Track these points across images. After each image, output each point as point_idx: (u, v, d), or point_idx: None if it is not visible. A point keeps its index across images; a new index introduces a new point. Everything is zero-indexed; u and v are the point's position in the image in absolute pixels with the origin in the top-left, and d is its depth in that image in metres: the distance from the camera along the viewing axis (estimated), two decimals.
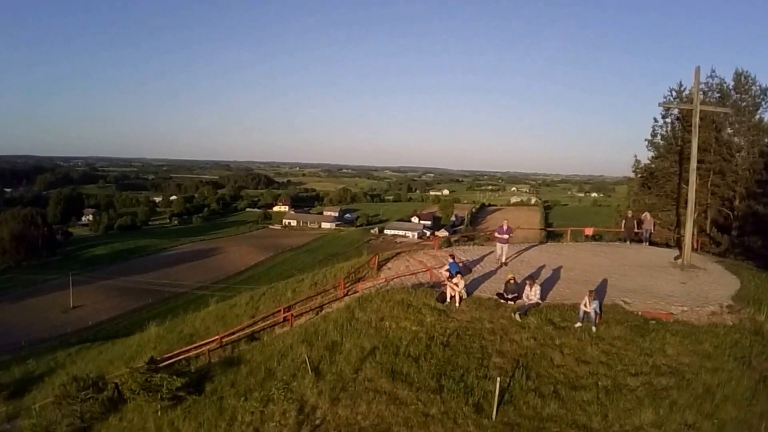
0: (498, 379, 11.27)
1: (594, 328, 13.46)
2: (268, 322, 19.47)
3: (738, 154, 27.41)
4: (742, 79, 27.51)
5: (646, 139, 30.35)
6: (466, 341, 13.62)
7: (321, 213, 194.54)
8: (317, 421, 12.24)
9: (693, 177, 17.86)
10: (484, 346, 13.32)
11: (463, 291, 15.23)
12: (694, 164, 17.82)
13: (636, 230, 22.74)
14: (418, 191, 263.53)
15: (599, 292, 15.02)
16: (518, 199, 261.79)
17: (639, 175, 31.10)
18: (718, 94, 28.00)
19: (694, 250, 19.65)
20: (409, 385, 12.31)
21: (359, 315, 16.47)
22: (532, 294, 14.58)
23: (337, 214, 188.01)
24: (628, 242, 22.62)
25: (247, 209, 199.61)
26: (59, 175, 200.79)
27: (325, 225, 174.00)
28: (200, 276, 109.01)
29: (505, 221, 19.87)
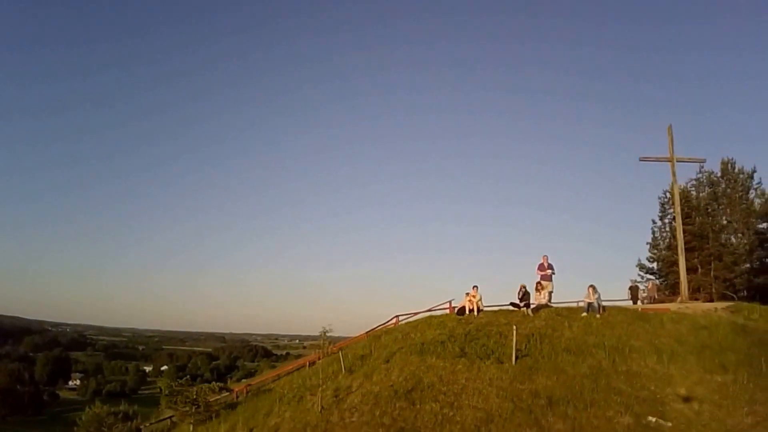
0: (515, 328, 12.84)
1: (598, 315, 15.07)
2: (293, 366, 20.42)
3: (733, 236, 28.15)
4: (729, 167, 28.77)
5: (647, 243, 31.27)
6: (485, 331, 15.14)
7: None
8: (353, 390, 13.28)
9: (679, 219, 20.24)
10: (501, 332, 14.82)
11: (480, 302, 17.02)
12: (678, 208, 20.20)
13: (640, 297, 23.76)
14: None
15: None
16: None
17: (643, 275, 31.90)
18: (710, 187, 29.33)
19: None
20: (436, 356, 13.68)
21: (384, 338, 17.94)
22: (541, 297, 16.39)
23: None
24: None
25: (243, 380, 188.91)
26: (47, 338, 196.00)
27: None
28: None
29: (545, 256, 17.60)
